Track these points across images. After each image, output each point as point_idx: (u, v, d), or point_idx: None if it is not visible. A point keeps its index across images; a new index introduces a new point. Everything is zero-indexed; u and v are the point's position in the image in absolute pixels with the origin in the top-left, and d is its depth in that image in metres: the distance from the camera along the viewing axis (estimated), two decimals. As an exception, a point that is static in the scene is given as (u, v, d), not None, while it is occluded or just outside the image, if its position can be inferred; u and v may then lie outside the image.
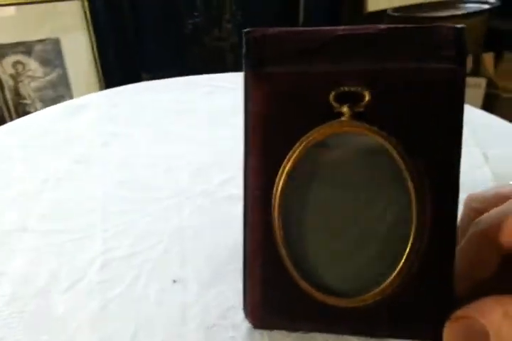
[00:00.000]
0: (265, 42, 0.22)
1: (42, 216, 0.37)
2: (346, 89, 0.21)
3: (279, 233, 0.22)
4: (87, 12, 1.53)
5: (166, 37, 1.67)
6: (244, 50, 0.22)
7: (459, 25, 0.21)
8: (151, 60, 1.63)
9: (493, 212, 0.22)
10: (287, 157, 0.22)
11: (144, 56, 1.65)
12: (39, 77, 1.47)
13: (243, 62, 0.23)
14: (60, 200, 0.39)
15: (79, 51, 1.51)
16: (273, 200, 0.22)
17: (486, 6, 1.67)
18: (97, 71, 1.52)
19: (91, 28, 1.53)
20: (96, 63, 1.52)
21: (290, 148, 0.22)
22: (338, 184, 0.22)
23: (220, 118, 0.50)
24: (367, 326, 0.23)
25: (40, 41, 1.49)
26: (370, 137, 0.21)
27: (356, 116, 0.21)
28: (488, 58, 1.53)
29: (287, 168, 0.22)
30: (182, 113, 0.51)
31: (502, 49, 1.55)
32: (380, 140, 0.21)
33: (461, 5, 1.74)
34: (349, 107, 0.21)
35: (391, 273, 0.21)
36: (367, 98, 0.21)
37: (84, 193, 0.39)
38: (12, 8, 1.45)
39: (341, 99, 0.21)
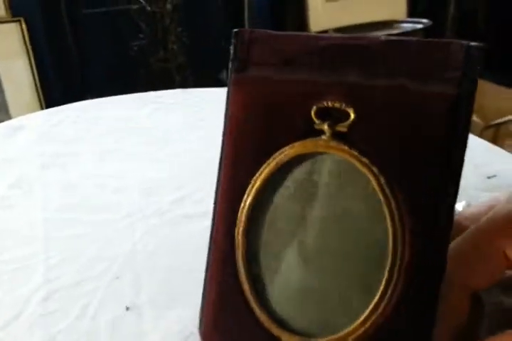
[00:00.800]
0: (252, 44, 0.20)
1: (-25, 247, 0.33)
2: (330, 104, 0.19)
3: (240, 255, 0.20)
4: (26, 35, 1.48)
5: (111, 59, 1.64)
6: (231, 52, 0.21)
7: (473, 43, 0.18)
8: (95, 82, 1.59)
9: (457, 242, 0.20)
10: (258, 172, 0.20)
11: (88, 79, 1.60)
12: (-25, 103, 1.40)
13: (229, 64, 0.21)
14: (-5, 228, 0.35)
15: (17, 75, 1.45)
16: (239, 216, 0.20)
17: (420, 26, 1.75)
18: (38, 95, 1.47)
19: (30, 51, 1.48)
20: (36, 87, 1.46)
21: (263, 162, 0.20)
22: (310, 209, 0.19)
23: (169, 134, 0.48)
24: None
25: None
26: (349, 162, 0.18)
27: (337, 135, 0.19)
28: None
29: (257, 185, 0.20)
30: (129, 130, 0.49)
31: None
32: (360, 167, 0.18)
33: (397, 25, 1.82)
34: (330, 126, 0.19)
35: (358, 318, 0.18)
36: (351, 117, 0.18)
37: (22, 220, 0.36)
38: None
39: (323, 114, 0.19)
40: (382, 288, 0.18)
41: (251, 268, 0.20)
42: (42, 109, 1.43)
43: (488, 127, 1.27)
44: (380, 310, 0.18)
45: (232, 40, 0.21)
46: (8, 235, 0.34)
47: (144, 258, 0.31)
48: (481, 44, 0.18)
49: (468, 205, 0.32)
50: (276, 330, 0.19)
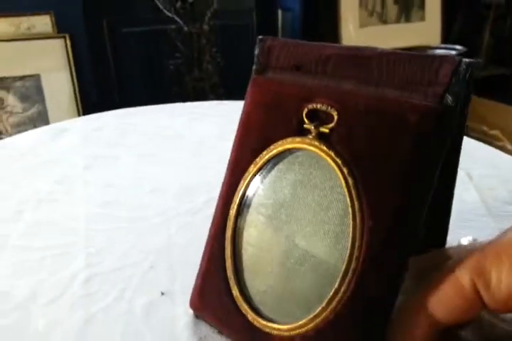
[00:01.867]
0: (271, 50, 0.23)
1: (22, 235, 0.36)
2: (318, 106, 0.21)
3: (230, 232, 0.23)
4: (70, 51, 1.55)
5: (147, 76, 1.70)
6: (255, 57, 0.24)
7: (467, 59, 0.18)
8: (131, 98, 1.64)
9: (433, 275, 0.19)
10: (254, 161, 0.22)
11: (124, 94, 1.66)
12: (18, 113, 1.46)
13: (253, 67, 0.24)
14: (40, 220, 0.37)
15: (59, 88, 1.52)
16: (234, 199, 0.23)
17: (454, 52, 1.76)
18: (77, 108, 1.53)
19: (73, 66, 1.55)
20: (76, 100, 1.52)
21: (259, 153, 0.22)
22: (286, 203, 0.21)
23: (203, 143, 0.51)
24: None
25: (21, 78, 1.49)
26: (326, 160, 0.20)
27: (322, 135, 0.20)
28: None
29: (251, 173, 0.22)
30: (166, 137, 0.51)
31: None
32: (334, 166, 0.20)
33: (431, 51, 1.84)
34: (315, 127, 0.21)
35: (313, 311, 0.20)
36: (334, 120, 0.20)
37: (65, 213, 0.38)
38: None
39: (313, 116, 0.21)
40: (336, 284, 0.19)
41: (235, 245, 0.23)
42: (80, 120, 1.49)
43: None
44: (332, 306, 0.19)
45: (256, 46, 0.24)
46: (52, 225, 0.37)
47: (178, 251, 0.33)
48: (475, 60, 0.18)
49: (474, 240, 0.32)
50: (246, 307, 0.22)
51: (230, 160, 0.24)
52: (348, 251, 0.19)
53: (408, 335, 0.19)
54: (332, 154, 0.20)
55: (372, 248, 0.18)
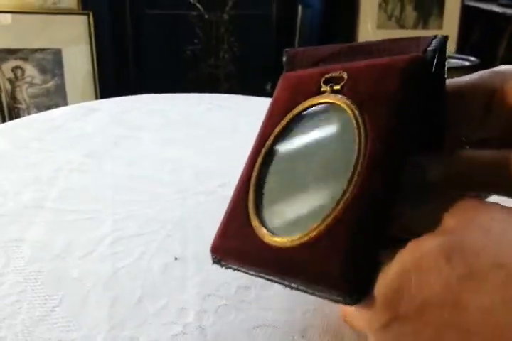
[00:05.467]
0: (295, 58, 0.30)
1: (56, 198, 0.41)
2: (332, 75, 0.27)
3: (254, 179, 0.26)
4: (92, 28, 1.59)
5: (165, 58, 1.74)
6: (284, 65, 0.30)
7: (441, 35, 0.25)
8: (147, 78, 1.69)
9: None
10: (277, 127, 0.27)
11: (141, 75, 1.71)
12: (37, 84, 1.51)
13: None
14: (72, 187, 0.43)
15: (79, 64, 1.57)
16: (261, 152, 0.27)
17: (467, 63, 1.80)
18: (94, 85, 1.58)
19: (93, 43, 1.59)
20: (94, 77, 1.57)
21: (281, 119, 0.28)
22: (306, 147, 0.26)
23: (220, 132, 0.56)
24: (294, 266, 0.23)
25: (42, 50, 1.53)
26: (338, 105, 0.26)
27: (335, 92, 0.26)
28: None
29: (277, 130, 0.27)
30: (186, 123, 0.57)
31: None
32: (344, 106, 0.25)
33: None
34: (330, 87, 0.26)
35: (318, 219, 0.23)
36: (345, 79, 0.26)
37: (95, 183, 0.44)
38: (8, 15, 1.49)
39: (329, 82, 0.27)
40: (344, 186, 0.23)
41: (257, 190, 0.26)
42: (96, 97, 1.54)
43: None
44: (340, 206, 0.22)
45: (283, 56, 0.31)
46: (83, 193, 0.42)
47: (192, 225, 0.38)
48: (445, 35, 0.24)
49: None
50: (264, 233, 0.24)
51: (259, 130, 0.29)
52: (355, 158, 0.23)
53: None
54: (343, 98, 0.25)
55: (375, 154, 0.23)
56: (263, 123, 0.29)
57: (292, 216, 0.24)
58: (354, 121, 0.24)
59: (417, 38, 0.25)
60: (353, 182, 0.22)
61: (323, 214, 0.22)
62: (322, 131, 0.26)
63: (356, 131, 0.24)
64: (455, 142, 0.27)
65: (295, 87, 0.28)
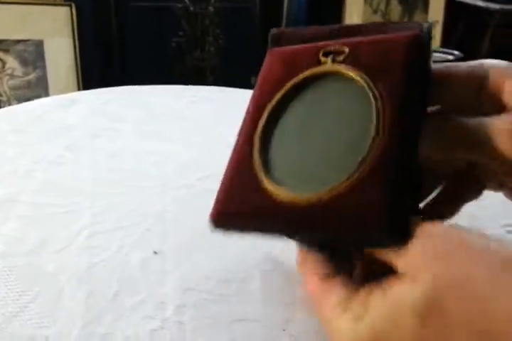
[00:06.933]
0: (282, 37, 0.30)
1: (32, 192, 0.40)
2: (332, 48, 0.27)
3: (258, 139, 0.26)
4: (74, 19, 1.57)
5: (150, 51, 1.72)
6: (269, 42, 0.30)
7: (427, 22, 0.26)
8: (132, 71, 1.67)
9: None
10: (277, 94, 0.27)
11: (125, 67, 1.69)
12: (18, 76, 1.48)
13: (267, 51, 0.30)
14: (50, 180, 0.42)
15: (61, 56, 1.54)
16: (263, 114, 0.27)
17: (451, 57, 1.81)
18: (77, 77, 1.55)
19: (76, 35, 1.56)
20: (77, 69, 1.55)
21: (283, 86, 0.27)
22: (314, 101, 0.27)
23: (203, 124, 0.55)
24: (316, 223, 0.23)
25: (23, 41, 1.50)
26: (346, 76, 0.26)
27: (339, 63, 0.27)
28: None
29: (276, 99, 0.27)
30: (169, 115, 0.56)
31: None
32: (354, 75, 0.26)
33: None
34: (332, 58, 0.27)
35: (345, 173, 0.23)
36: (346, 52, 0.26)
37: (74, 176, 0.43)
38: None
39: (328, 55, 0.27)
40: (367, 147, 0.24)
41: (263, 152, 0.26)
42: (79, 90, 1.52)
43: None
44: (362, 168, 0.23)
45: (269, 36, 0.30)
46: (60, 186, 0.41)
47: (172, 218, 0.38)
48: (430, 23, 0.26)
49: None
50: (274, 189, 0.25)
51: (251, 102, 0.28)
52: (375, 123, 0.24)
53: None
54: (349, 68, 0.26)
55: (392, 119, 0.24)
56: (254, 96, 0.28)
57: (310, 174, 0.25)
58: (367, 89, 0.25)
59: (405, 23, 0.27)
60: (377, 143, 0.23)
61: (347, 171, 0.23)
62: (333, 97, 0.26)
63: (372, 97, 0.24)
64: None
65: (290, 59, 0.28)
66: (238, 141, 0.28)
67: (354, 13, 1.83)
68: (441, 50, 1.86)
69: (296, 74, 0.27)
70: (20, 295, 0.29)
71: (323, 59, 0.27)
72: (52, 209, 0.38)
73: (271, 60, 0.29)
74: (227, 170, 0.27)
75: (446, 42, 1.91)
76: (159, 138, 0.51)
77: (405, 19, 1.92)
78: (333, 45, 0.27)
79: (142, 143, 0.49)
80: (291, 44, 0.29)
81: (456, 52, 1.83)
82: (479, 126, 0.25)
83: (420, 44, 0.26)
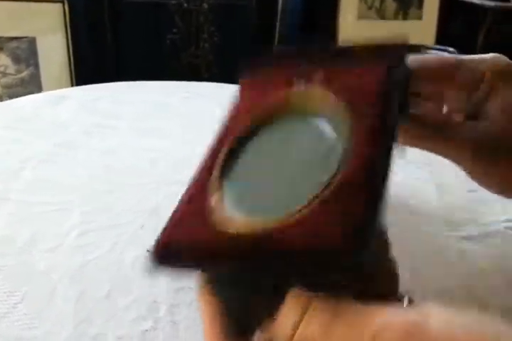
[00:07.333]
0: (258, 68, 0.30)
1: (22, 190, 0.39)
2: (306, 71, 0.27)
3: (218, 168, 0.25)
4: (67, 16, 1.55)
5: (144, 48, 1.71)
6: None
7: (402, 41, 0.28)
8: (126, 68, 1.66)
9: None
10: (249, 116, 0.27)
11: (119, 64, 1.67)
12: (11, 74, 1.47)
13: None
14: (41, 178, 0.41)
15: (54, 53, 1.52)
16: (229, 142, 0.27)
17: (445, 54, 1.80)
18: (70, 74, 1.54)
19: (69, 32, 1.55)
20: (70, 67, 1.53)
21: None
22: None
23: (194, 120, 0.54)
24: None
25: (16, 39, 1.49)
26: (319, 94, 0.26)
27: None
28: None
29: (243, 127, 0.27)
30: (162, 112, 0.55)
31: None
32: (325, 94, 0.25)
33: (424, 50, 1.88)
34: (305, 81, 0.26)
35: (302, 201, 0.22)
36: (321, 76, 0.26)
37: (67, 174, 0.42)
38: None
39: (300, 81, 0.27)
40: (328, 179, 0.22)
41: (221, 178, 0.25)
42: (72, 87, 1.50)
43: None
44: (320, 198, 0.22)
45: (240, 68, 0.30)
46: (51, 184, 0.40)
47: (165, 215, 0.37)
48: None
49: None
50: (241, 218, 0.23)
51: (222, 123, 0.28)
52: (341, 147, 0.23)
53: None
54: (323, 90, 0.26)
55: (365, 144, 0.23)
56: (223, 124, 0.28)
57: (267, 201, 0.24)
58: (339, 113, 0.24)
59: (381, 49, 0.28)
60: (342, 169, 0.22)
61: (307, 197, 0.22)
62: (298, 123, 0.26)
63: (341, 122, 0.24)
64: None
65: (262, 85, 0.28)
66: (199, 167, 0.27)
67: (349, 10, 1.83)
68: (436, 46, 1.86)
69: (263, 107, 0.27)
70: (8, 296, 0.28)
71: (296, 82, 0.27)
72: (43, 207, 0.37)
73: (242, 89, 0.30)
74: (185, 194, 0.27)
75: (441, 39, 1.91)
76: (154, 134, 0.50)
77: (400, 16, 1.91)
78: (307, 71, 0.27)
79: (136, 139, 0.48)
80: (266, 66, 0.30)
81: (451, 49, 1.83)
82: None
83: (393, 77, 0.26)
